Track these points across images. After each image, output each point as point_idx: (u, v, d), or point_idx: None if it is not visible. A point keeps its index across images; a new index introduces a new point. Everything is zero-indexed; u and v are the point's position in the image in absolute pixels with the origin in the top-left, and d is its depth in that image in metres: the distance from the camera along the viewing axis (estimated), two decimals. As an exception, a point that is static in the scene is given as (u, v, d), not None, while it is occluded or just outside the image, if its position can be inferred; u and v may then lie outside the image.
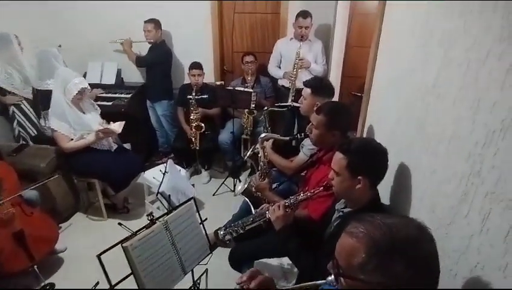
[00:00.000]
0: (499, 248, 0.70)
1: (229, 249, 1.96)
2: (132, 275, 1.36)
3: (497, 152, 0.74)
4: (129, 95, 3.55)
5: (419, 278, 0.67)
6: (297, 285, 1.03)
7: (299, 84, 2.89)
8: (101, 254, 1.28)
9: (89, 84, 2.69)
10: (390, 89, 1.70)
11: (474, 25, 0.89)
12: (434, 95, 1.12)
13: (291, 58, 3.15)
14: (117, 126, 2.71)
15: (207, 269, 2.20)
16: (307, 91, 2.10)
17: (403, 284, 0.67)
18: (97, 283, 1.34)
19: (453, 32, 1.02)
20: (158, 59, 3.45)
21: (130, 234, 1.37)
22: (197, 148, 3.31)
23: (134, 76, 3.88)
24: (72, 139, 2.62)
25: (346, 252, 0.74)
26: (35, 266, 2.14)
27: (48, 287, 2.13)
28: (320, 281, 0.89)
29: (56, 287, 2.21)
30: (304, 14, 3.06)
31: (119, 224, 1.55)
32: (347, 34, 3.23)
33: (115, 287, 1.34)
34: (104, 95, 3.54)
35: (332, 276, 0.79)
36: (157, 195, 2.06)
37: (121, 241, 1.32)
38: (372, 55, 2.03)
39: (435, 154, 1.08)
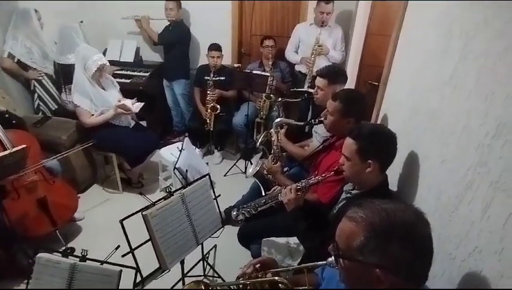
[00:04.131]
0: (497, 233, 0.74)
1: (238, 228, 2.03)
2: (150, 241, 1.46)
3: (505, 143, 0.76)
4: (147, 74, 3.60)
5: (414, 260, 0.72)
6: (298, 266, 1.08)
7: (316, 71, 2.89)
8: (123, 219, 1.38)
9: (108, 61, 2.74)
10: (407, 79, 1.70)
11: (496, 18, 0.90)
12: (451, 87, 1.13)
13: (310, 44, 3.13)
14: (135, 106, 2.78)
15: (216, 244, 2.32)
16: (323, 82, 2.08)
17: (399, 265, 0.71)
18: (118, 247, 1.45)
19: (474, 25, 1.02)
20: (179, 38, 3.48)
21: (149, 204, 1.46)
22: (211, 129, 3.36)
23: (152, 55, 3.93)
24: (92, 115, 2.70)
25: (346, 236, 0.78)
26: (57, 231, 2.29)
27: (68, 251, 2.27)
28: (320, 262, 0.94)
29: (75, 252, 2.36)
30: None
31: (140, 193, 1.64)
32: (368, 21, 3.17)
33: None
34: (122, 72, 3.60)
35: (333, 257, 0.83)
36: (174, 170, 2.14)
37: (141, 210, 1.42)
38: (393, 44, 2.01)
39: (446, 145, 1.10)
